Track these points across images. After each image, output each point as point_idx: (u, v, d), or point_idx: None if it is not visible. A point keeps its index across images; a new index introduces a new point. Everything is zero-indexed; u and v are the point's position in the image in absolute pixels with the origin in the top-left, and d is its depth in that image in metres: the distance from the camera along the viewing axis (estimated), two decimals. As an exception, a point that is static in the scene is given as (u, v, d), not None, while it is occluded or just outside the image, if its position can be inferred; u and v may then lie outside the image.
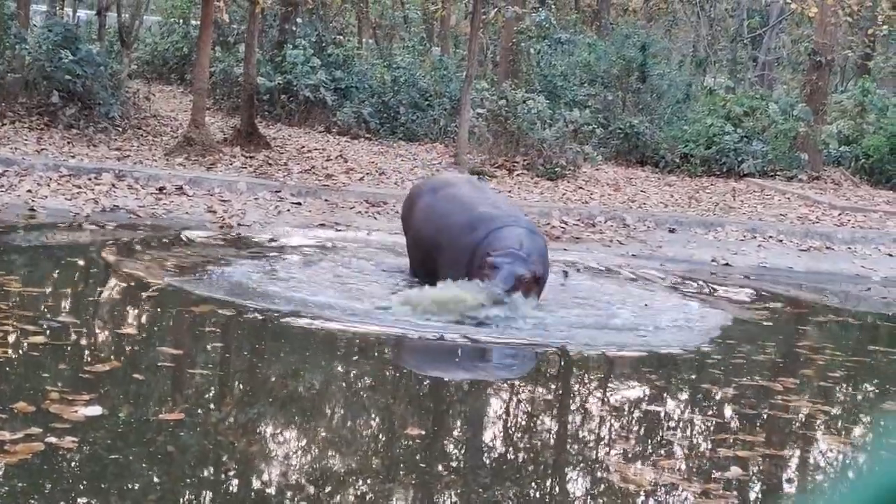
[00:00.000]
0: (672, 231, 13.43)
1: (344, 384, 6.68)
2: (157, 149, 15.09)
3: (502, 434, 6.06)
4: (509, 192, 14.92)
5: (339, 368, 6.99)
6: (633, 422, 6.38)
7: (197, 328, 7.25)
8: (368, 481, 4.93)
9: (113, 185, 12.44)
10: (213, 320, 7.31)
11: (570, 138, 17.60)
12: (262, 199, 12.76)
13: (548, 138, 17.13)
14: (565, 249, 11.54)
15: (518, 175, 16.61)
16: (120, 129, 15.99)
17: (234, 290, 8.08)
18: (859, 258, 12.90)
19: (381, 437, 5.76)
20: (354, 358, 7.24)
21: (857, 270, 12.28)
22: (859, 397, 7.66)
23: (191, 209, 11.85)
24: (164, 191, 12.52)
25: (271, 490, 4.76)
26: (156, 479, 4.61)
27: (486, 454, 5.57)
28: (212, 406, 5.86)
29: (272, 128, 18.83)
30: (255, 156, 15.46)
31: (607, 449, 5.79)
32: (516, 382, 7.18)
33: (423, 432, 5.62)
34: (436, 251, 8.38)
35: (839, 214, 15.72)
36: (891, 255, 13.14)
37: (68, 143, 14.70)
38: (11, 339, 6.32)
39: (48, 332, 6.49)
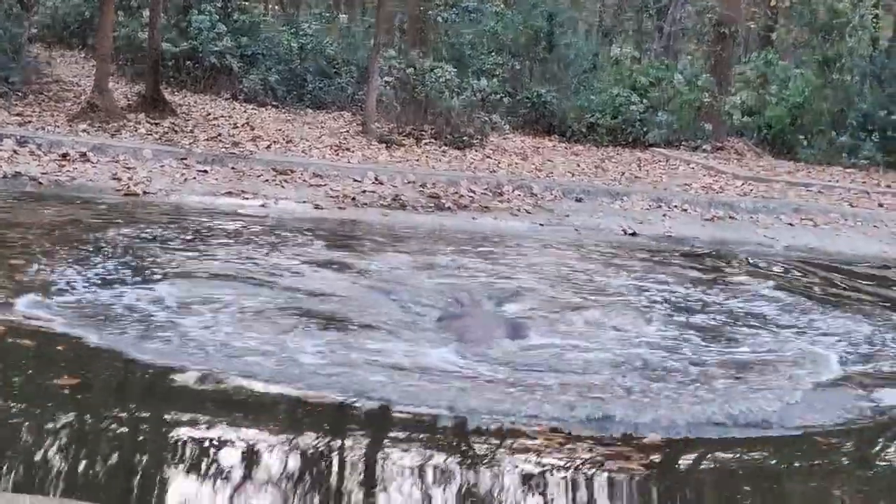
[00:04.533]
0: (579, 200, 13.51)
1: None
2: (60, 115, 14.82)
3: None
4: (417, 160, 14.89)
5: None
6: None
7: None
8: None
9: (14, 152, 12.19)
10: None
11: (477, 107, 17.64)
12: (167, 166, 12.60)
13: (456, 107, 17.14)
14: (473, 218, 11.56)
15: (426, 143, 16.60)
16: (21, 95, 15.67)
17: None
18: (762, 227, 13.10)
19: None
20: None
21: (759, 239, 12.46)
22: None
23: (95, 176, 11.65)
24: (68, 157, 12.30)
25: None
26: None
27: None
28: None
29: (178, 94, 18.58)
30: (160, 123, 15.26)
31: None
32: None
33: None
34: None
35: (742, 184, 15.96)
36: (791, 225, 13.36)
37: (-33, 108, 14.40)
38: None
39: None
